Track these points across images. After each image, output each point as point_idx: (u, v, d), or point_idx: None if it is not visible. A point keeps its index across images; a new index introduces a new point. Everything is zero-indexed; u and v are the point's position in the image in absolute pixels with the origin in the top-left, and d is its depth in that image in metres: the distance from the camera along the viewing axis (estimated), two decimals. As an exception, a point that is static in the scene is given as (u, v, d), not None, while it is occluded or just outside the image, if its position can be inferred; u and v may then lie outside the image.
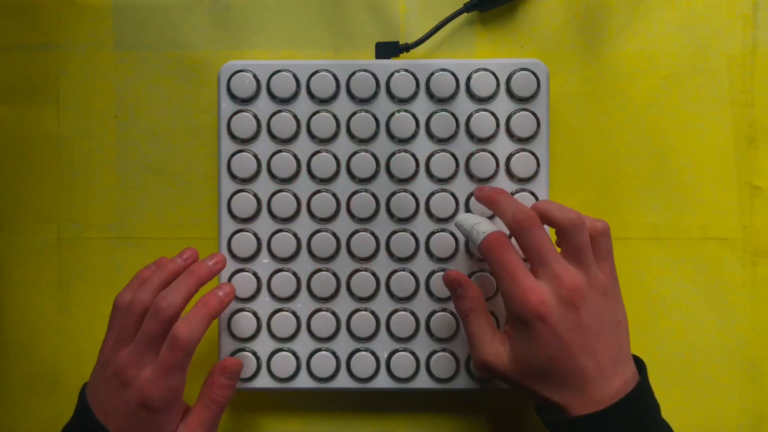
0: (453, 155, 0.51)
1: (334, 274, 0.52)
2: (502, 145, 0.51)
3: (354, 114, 0.51)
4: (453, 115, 0.51)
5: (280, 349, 0.52)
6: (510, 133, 0.51)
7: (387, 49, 0.53)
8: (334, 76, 0.51)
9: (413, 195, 0.51)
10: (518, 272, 0.44)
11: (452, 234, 0.51)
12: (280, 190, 0.52)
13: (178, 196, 0.54)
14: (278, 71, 0.51)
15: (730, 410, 0.53)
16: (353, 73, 0.51)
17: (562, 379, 0.44)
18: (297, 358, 0.52)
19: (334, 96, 0.52)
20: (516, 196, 0.51)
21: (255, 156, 0.52)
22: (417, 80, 0.51)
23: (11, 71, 0.54)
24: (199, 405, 0.47)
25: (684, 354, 0.53)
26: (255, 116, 0.51)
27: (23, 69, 0.54)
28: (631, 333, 0.46)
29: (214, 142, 0.53)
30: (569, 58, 0.53)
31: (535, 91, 0.51)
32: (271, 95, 0.52)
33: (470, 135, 0.51)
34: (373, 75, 0.51)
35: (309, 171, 0.52)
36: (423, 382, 0.51)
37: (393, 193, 0.52)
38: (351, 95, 0.51)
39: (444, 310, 0.51)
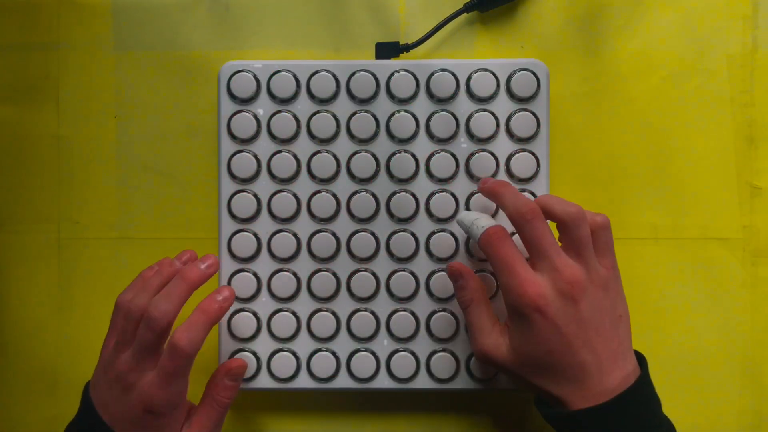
0: (453, 155, 0.51)
1: (334, 274, 0.52)
2: (502, 145, 0.51)
3: (354, 114, 0.51)
4: (453, 115, 0.51)
5: (280, 350, 0.52)
6: (510, 133, 0.51)
7: (387, 49, 0.53)
8: (334, 76, 0.51)
9: (413, 195, 0.51)
10: (517, 265, 0.44)
11: (452, 234, 0.51)
12: (280, 190, 0.52)
13: (178, 196, 0.54)
14: (278, 71, 0.51)
15: (730, 410, 0.53)
16: (353, 73, 0.51)
17: (561, 372, 0.44)
18: (297, 358, 0.52)
19: (334, 96, 0.52)
20: (516, 196, 0.51)
21: (255, 156, 0.52)
22: (417, 80, 0.51)
23: (11, 71, 0.54)
24: (203, 406, 0.47)
25: (684, 354, 0.53)
26: (255, 116, 0.51)
27: (23, 69, 0.54)
28: (632, 333, 0.46)
29: (214, 142, 0.53)
30: (569, 58, 0.53)
31: (535, 91, 0.51)
32: (271, 95, 0.51)
33: (470, 135, 0.51)
34: (373, 75, 0.51)
35: (309, 171, 0.52)
36: (423, 382, 0.51)
37: (393, 193, 0.52)
38: (351, 95, 0.51)
39: (444, 310, 0.51)
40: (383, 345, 0.52)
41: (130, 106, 0.54)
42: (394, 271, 0.52)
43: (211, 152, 0.54)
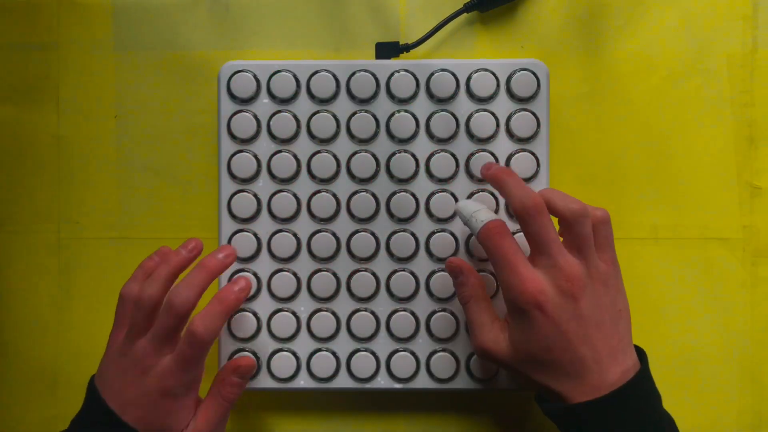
0: (453, 155, 0.51)
1: (334, 274, 0.52)
2: (502, 145, 0.51)
3: (354, 114, 0.51)
4: (453, 115, 0.51)
5: (280, 349, 0.52)
6: (510, 133, 0.51)
7: (387, 49, 0.53)
8: (334, 76, 0.51)
9: (413, 195, 0.51)
10: (517, 261, 0.44)
11: (452, 234, 0.51)
12: (280, 190, 0.52)
13: (178, 196, 0.54)
14: (278, 71, 0.51)
15: (730, 410, 0.53)
16: (353, 73, 0.51)
17: (560, 368, 0.44)
18: (297, 358, 0.52)
19: (334, 96, 0.52)
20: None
21: (255, 156, 0.52)
22: (417, 80, 0.51)
23: (11, 71, 0.54)
24: (209, 399, 0.48)
25: (684, 354, 0.53)
26: (255, 116, 0.51)
27: (23, 69, 0.54)
28: (632, 332, 0.46)
29: (214, 142, 0.53)
30: (569, 58, 0.53)
31: (535, 91, 0.51)
32: (271, 95, 0.52)
33: (470, 135, 0.51)
34: (373, 75, 0.51)
35: (309, 171, 0.52)
36: (423, 382, 0.51)
37: (393, 193, 0.52)
38: (351, 95, 0.51)
39: (444, 310, 0.51)
40: (383, 345, 0.52)
41: (130, 106, 0.54)
42: (394, 271, 0.52)
43: (211, 152, 0.54)
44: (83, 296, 0.54)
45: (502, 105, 0.51)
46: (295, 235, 0.52)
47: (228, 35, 0.54)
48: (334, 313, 0.52)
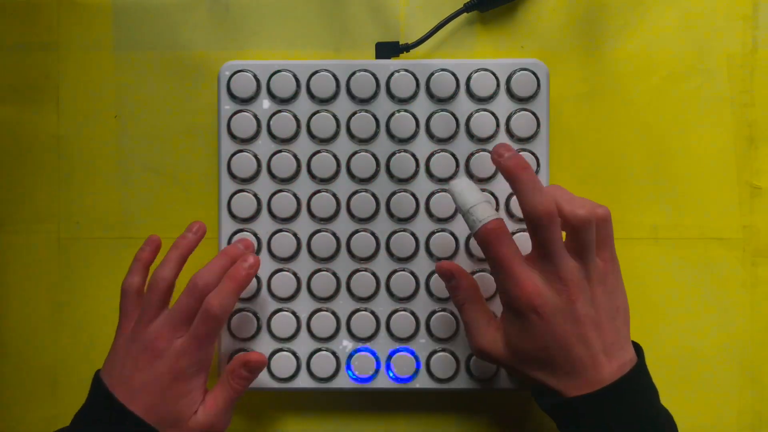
0: (453, 155, 0.51)
1: (334, 274, 0.52)
2: (502, 145, 0.51)
3: (354, 114, 0.51)
4: (453, 115, 0.51)
5: (280, 349, 0.52)
6: (510, 133, 0.51)
7: (387, 49, 0.53)
8: (334, 76, 0.51)
9: (413, 195, 0.51)
10: (514, 264, 0.44)
11: (452, 234, 0.51)
12: (280, 190, 0.52)
13: (178, 196, 0.54)
14: (278, 71, 0.51)
15: (730, 410, 0.53)
16: (353, 73, 0.51)
17: (556, 366, 0.44)
18: (297, 358, 0.52)
19: (334, 96, 0.52)
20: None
21: (255, 156, 0.52)
22: (417, 80, 0.51)
23: (11, 71, 0.54)
24: (218, 386, 0.49)
25: (684, 354, 0.53)
26: (255, 116, 0.51)
27: (23, 69, 0.54)
28: (631, 333, 0.46)
29: (214, 142, 0.53)
30: (569, 58, 0.53)
31: (535, 91, 0.51)
32: (271, 95, 0.52)
33: (470, 135, 0.51)
34: (373, 75, 0.51)
35: (309, 171, 0.52)
36: (423, 382, 0.51)
37: (393, 193, 0.52)
38: (351, 95, 0.51)
39: (444, 310, 0.51)
40: (383, 345, 0.52)
41: (130, 106, 0.54)
42: (394, 271, 0.52)
43: (211, 152, 0.54)
44: (83, 296, 0.54)
45: (502, 105, 0.51)
46: (295, 235, 0.52)
47: (228, 35, 0.54)
48: (334, 313, 0.52)
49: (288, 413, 0.54)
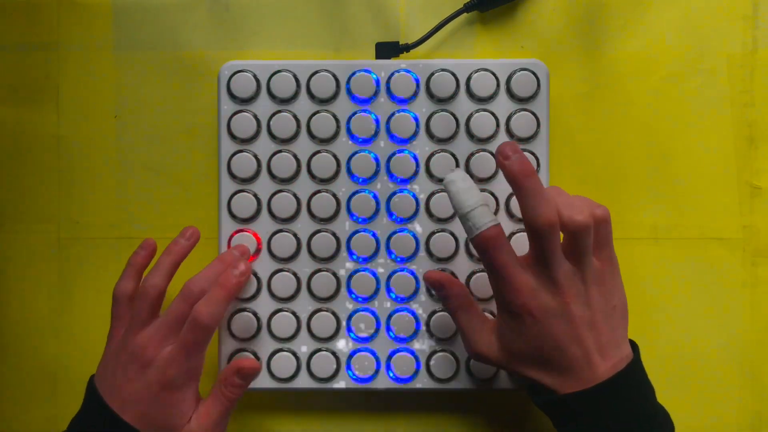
0: (453, 155, 0.51)
1: (334, 274, 0.52)
2: (502, 145, 0.51)
3: (354, 114, 0.51)
4: (453, 115, 0.51)
5: (280, 349, 0.52)
6: (510, 133, 0.51)
7: (387, 49, 0.53)
8: (334, 76, 0.51)
9: (413, 195, 0.51)
10: (510, 269, 0.44)
11: (452, 234, 0.51)
12: (280, 190, 0.52)
13: (178, 196, 0.54)
14: (278, 71, 0.51)
15: (730, 410, 0.53)
16: (353, 73, 0.51)
17: (551, 365, 0.44)
18: (297, 358, 0.52)
19: (334, 96, 0.52)
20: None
21: (255, 156, 0.52)
22: (417, 80, 0.51)
23: (11, 71, 0.54)
24: (211, 397, 0.48)
25: (684, 354, 0.53)
26: (255, 116, 0.51)
27: (23, 69, 0.54)
28: (631, 333, 0.46)
29: (214, 142, 0.53)
30: (569, 58, 0.53)
31: (535, 91, 0.51)
32: (271, 95, 0.52)
33: (470, 135, 0.51)
34: (373, 75, 0.51)
35: (309, 171, 0.52)
36: (423, 382, 0.51)
37: (393, 193, 0.52)
38: (351, 95, 0.51)
39: (444, 310, 0.51)
40: (383, 345, 0.52)
41: (130, 106, 0.54)
42: (394, 271, 0.52)
43: (211, 152, 0.54)
44: (83, 296, 0.54)
45: (502, 105, 0.51)
46: (295, 235, 0.52)
47: (228, 35, 0.54)
48: (334, 313, 0.52)
49: (288, 413, 0.54)
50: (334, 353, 0.52)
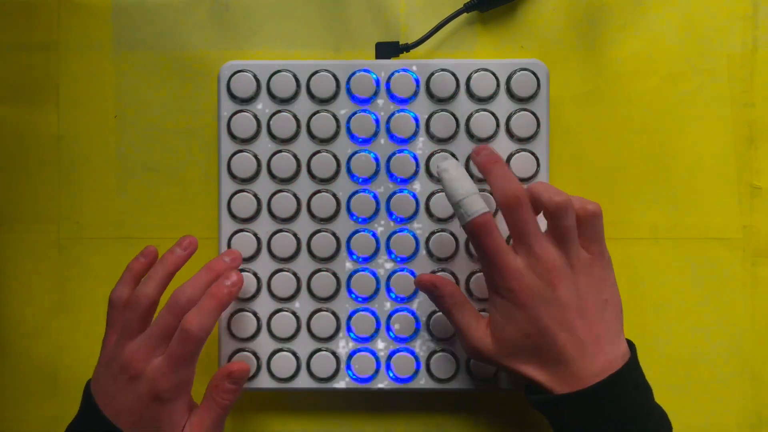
0: (453, 155, 0.51)
1: (334, 273, 0.52)
2: (502, 145, 0.51)
3: (354, 114, 0.51)
4: (453, 115, 0.51)
5: (280, 349, 0.52)
6: (510, 133, 0.51)
7: (387, 49, 0.53)
8: (334, 76, 0.51)
9: (413, 195, 0.51)
10: (499, 253, 0.45)
11: (452, 234, 0.51)
12: (280, 190, 0.52)
13: (178, 196, 0.54)
14: (278, 71, 0.51)
15: (730, 410, 0.53)
16: (353, 73, 0.51)
17: (541, 355, 0.44)
18: (297, 358, 0.52)
19: (334, 96, 0.52)
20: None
21: (255, 156, 0.52)
22: (417, 80, 0.51)
23: (11, 71, 0.54)
24: (204, 405, 0.47)
25: (684, 354, 0.53)
26: (255, 116, 0.51)
27: (23, 69, 0.54)
28: (630, 333, 0.46)
29: (214, 142, 0.53)
30: (569, 58, 0.53)
31: (535, 91, 0.51)
32: (271, 95, 0.52)
33: (470, 135, 0.51)
34: (373, 75, 0.51)
35: (309, 171, 0.52)
36: (423, 382, 0.51)
37: (393, 193, 0.52)
38: (351, 95, 0.51)
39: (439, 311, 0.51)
40: (383, 345, 0.52)
41: (130, 106, 0.54)
42: (394, 271, 0.52)
43: (211, 152, 0.54)
44: (83, 296, 0.54)
45: (502, 105, 0.51)
46: (295, 235, 0.52)
47: (228, 35, 0.54)
48: (334, 313, 0.52)
49: (288, 413, 0.54)
50: (334, 353, 0.52)
